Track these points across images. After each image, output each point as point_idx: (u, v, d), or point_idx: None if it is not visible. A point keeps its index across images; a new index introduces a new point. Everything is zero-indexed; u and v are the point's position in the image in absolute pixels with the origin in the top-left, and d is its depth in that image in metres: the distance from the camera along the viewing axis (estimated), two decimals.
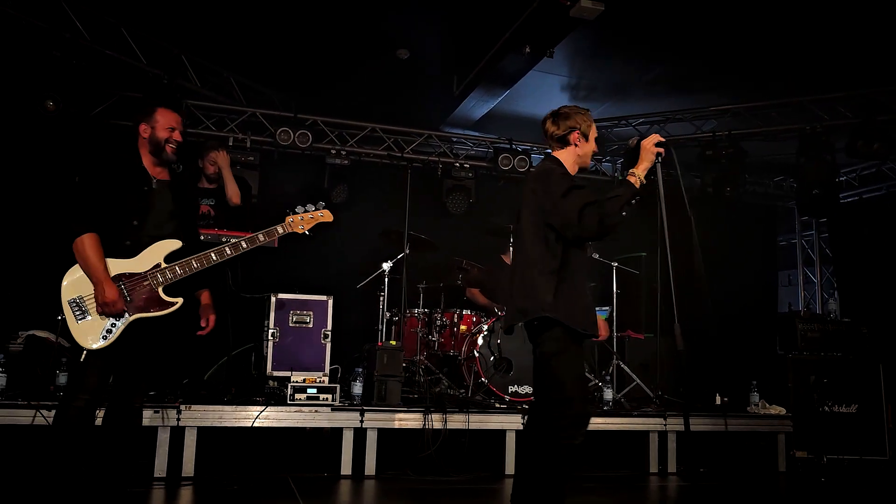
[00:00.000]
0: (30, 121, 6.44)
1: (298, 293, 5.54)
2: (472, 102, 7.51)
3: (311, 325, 5.46)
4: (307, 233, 3.68)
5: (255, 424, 4.70)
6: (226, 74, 7.61)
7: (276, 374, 5.30)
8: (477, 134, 8.52)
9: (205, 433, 4.65)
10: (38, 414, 4.24)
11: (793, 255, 10.10)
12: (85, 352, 3.14)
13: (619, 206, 2.95)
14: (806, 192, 7.79)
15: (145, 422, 4.45)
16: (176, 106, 3.62)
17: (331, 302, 5.54)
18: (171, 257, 3.35)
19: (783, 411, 6.03)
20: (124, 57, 6.63)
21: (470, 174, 8.18)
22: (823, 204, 7.79)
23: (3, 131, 6.54)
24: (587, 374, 3.19)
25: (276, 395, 5.10)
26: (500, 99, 7.39)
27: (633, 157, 3.07)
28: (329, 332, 5.48)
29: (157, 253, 3.33)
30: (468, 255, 6.56)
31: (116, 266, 3.25)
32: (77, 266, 3.24)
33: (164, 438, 4.50)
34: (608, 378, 6.12)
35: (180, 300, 3.34)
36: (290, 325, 5.42)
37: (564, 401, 3.07)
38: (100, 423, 3.35)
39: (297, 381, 4.96)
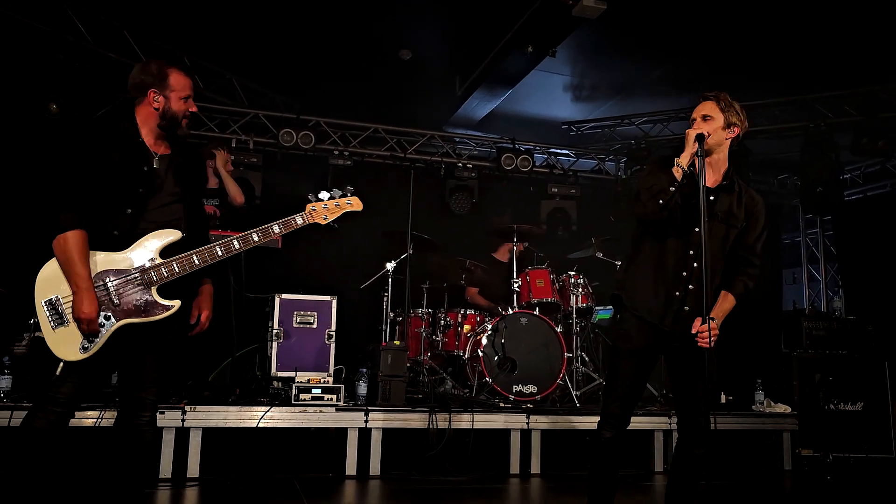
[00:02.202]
0: (34, 123, 6.46)
1: (302, 294, 5.55)
2: (475, 102, 7.51)
3: (315, 326, 5.47)
4: (333, 225, 3.05)
5: (260, 425, 4.70)
6: (228, 76, 7.62)
7: (280, 374, 5.31)
8: (480, 134, 8.53)
9: (210, 434, 4.65)
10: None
11: (797, 253, 10.08)
12: (61, 364, 2.67)
13: (650, 193, 2.93)
14: (810, 190, 7.77)
15: None
16: (187, 68, 2.99)
17: (335, 302, 5.55)
18: (168, 250, 2.79)
19: (788, 409, 6.01)
20: (127, 59, 6.63)
21: (473, 174, 8.18)
22: (828, 201, 7.76)
23: (8, 134, 6.56)
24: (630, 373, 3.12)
25: (280, 396, 5.11)
26: (502, 98, 7.40)
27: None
28: (333, 333, 5.49)
29: (151, 245, 2.76)
30: (471, 255, 6.56)
31: (103, 261, 2.71)
32: (53, 261, 2.71)
33: (168, 439, 4.50)
34: None
35: (177, 303, 2.79)
36: (295, 325, 5.43)
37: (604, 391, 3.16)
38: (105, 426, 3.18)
39: (301, 382, 4.96)
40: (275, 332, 5.38)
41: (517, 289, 6.13)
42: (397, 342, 5.55)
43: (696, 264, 2.96)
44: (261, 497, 4.22)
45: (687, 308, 2.97)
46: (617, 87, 7.72)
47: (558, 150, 8.82)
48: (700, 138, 2.91)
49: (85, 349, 2.66)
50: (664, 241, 3.02)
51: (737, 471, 5.63)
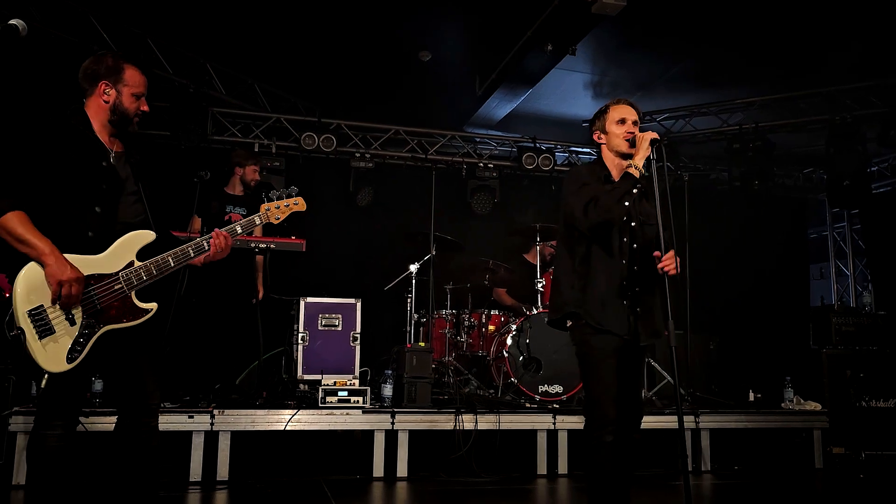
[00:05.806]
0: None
1: (327, 296, 5.59)
2: (495, 102, 7.50)
3: (340, 328, 5.50)
4: (284, 224, 3.18)
5: (288, 428, 4.74)
6: (250, 81, 7.69)
7: (306, 377, 5.35)
8: (500, 133, 8.51)
9: (238, 437, 4.70)
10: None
11: (824, 248, 9.93)
12: (46, 376, 2.51)
13: (615, 197, 3.02)
14: (836, 184, 7.65)
15: (180, 427, 4.53)
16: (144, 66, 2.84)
17: (359, 304, 5.58)
18: (143, 253, 2.71)
19: (819, 407, 5.93)
20: (151, 67, 6.71)
21: (494, 174, 8.16)
22: (855, 195, 7.64)
23: None
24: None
25: (307, 399, 5.14)
26: (522, 98, 7.37)
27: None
28: (358, 335, 5.52)
29: (129, 247, 2.68)
30: (494, 255, 6.56)
31: (81, 265, 2.56)
32: (32, 266, 2.49)
33: (198, 443, 4.56)
34: None
35: (154, 305, 2.72)
36: (320, 328, 5.46)
37: (588, 401, 3.14)
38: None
39: (327, 384, 4.99)
40: (300, 334, 5.41)
41: (541, 289, 6.11)
42: (422, 343, 5.56)
43: (635, 268, 3.09)
44: (290, 499, 4.26)
45: (639, 310, 3.06)
46: (637, 84, 7.66)
47: (580, 149, 8.77)
48: (655, 142, 3.02)
49: (71, 359, 2.53)
50: (604, 253, 3.09)
51: (767, 470, 5.57)
